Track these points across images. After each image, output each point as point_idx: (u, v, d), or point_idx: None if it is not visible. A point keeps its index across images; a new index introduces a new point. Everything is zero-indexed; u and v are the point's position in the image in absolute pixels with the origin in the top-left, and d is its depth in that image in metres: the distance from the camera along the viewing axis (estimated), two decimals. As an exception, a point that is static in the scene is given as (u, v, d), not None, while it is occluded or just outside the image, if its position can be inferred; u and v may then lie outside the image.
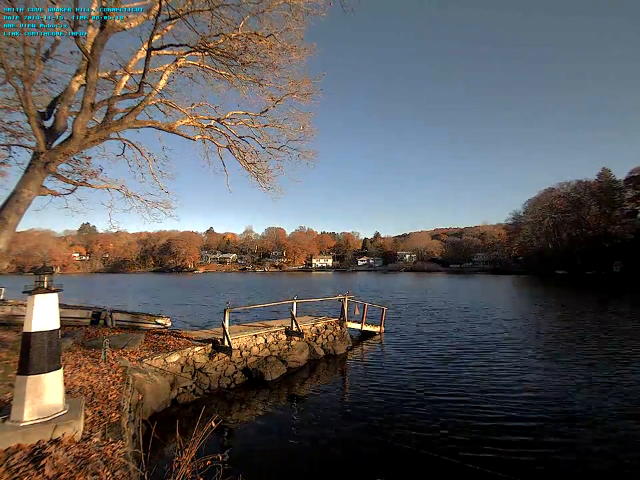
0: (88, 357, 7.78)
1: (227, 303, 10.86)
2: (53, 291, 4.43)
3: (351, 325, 14.64)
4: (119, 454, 3.86)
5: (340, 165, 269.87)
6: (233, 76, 9.60)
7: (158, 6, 6.45)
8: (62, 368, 4.48)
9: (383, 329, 15.92)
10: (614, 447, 6.18)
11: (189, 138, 10.02)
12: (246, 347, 10.38)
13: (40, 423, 3.99)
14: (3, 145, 7.92)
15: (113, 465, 3.63)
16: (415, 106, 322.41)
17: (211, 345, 9.75)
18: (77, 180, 8.87)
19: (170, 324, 12.56)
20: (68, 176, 8.70)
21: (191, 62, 9.45)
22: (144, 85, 7.62)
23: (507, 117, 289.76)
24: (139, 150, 10.48)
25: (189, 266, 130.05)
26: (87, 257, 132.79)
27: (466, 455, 5.84)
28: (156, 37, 7.70)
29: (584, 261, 73.95)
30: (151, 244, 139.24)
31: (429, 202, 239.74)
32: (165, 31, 8.21)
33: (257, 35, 8.35)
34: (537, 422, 7.13)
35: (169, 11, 7.18)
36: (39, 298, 4.28)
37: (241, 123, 10.80)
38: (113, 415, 4.91)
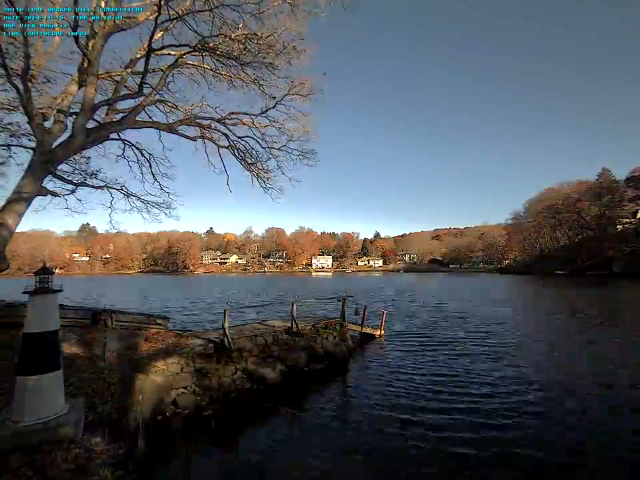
0: (88, 357, 7.76)
1: (227, 303, 10.84)
2: (53, 292, 4.42)
3: (350, 326, 14.58)
4: (119, 454, 3.84)
5: (340, 165, 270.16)
6: (233, 76, 9.60)
7: (158, 6, 6.44)
8: (62, 368, 4.47)
9: (382, 332, 15.81)
10: None
11: (189, 138, 10.00)
12: (246, 347, 10.34)
13: (40, 423, 3.97)
14: (2, 145, 7.92)
15: (113, 465, 3.61)
16: (416, 106, 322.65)
17: (211, 345, 9.72)
18: (77, 180, 8.86)
19: (170, 324, 12.55)
20: (68, 176, 8.70)
21: (191, 62, 9.46)
22: (144, 85, 7.63)
23: (507, 116, 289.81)
24: (139, 150, 10.46)
25: (189, 267, 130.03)
26: (87, 258, 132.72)
27: (466, 455, 5.82)
28: (156, 37, 7.70)
29: (584, 261, 73.91)
30: (151, 245, 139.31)
31: (429, 202, 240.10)
32: (165, 31, 8.21)
33: (257, 35, 8.35)
34: (542, 424, 7.11)
35: (169, 11, 7.18)
36: (39, 299, 4.27)
37: (240, 123, 10.77)
38: (113, 415, 4.90)
